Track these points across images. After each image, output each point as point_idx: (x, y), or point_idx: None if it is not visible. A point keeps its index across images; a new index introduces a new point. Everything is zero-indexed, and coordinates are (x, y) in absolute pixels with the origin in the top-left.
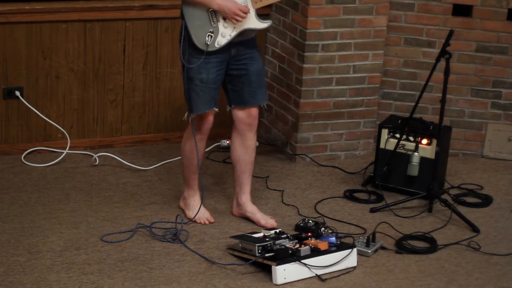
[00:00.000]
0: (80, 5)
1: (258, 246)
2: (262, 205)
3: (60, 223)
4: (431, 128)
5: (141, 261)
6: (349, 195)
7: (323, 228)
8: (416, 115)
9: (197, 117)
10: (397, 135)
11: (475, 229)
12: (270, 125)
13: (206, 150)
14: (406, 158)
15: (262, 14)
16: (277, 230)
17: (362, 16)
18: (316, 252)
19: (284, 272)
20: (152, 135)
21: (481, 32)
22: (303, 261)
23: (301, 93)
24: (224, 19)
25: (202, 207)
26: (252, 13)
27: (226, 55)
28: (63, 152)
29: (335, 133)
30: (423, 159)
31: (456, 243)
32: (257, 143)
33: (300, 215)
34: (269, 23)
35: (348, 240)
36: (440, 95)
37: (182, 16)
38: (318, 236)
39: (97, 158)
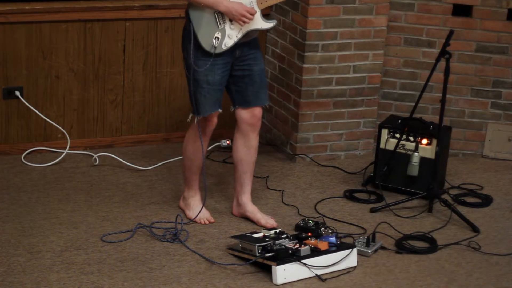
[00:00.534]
0: (80, 5)
1: (258, 246)
2: (262, 205)
3: (60, 223)
4: (431, 128)
5: (141, 261)
6: (349, 195)
7: (323, 228)
8: (416, 115)
9: (201, 118)
10: (397, 135)
11: (475, 229)
12: (270, 125)
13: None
14: (406, 158)
15: (262, 14)
16: (277, 230)
17: (362, 16)
18: (316, 252)
19: (284, 272)
20: (152, 135)
21: (481, 32)
22: (303, 261)
23: (301, 93)
24: (231, 20)
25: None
26: (258, 13)
27: (231, 57)
28: (63, 152)
29: (335, 133)
30: (423, 159)
31: (456, 243)
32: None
33: (300, 215)
34: (274, 23)
35: (348, 240)
36: (440, 95)
37: (188, 19)
38: (318, 236)
39: (97, 158)
